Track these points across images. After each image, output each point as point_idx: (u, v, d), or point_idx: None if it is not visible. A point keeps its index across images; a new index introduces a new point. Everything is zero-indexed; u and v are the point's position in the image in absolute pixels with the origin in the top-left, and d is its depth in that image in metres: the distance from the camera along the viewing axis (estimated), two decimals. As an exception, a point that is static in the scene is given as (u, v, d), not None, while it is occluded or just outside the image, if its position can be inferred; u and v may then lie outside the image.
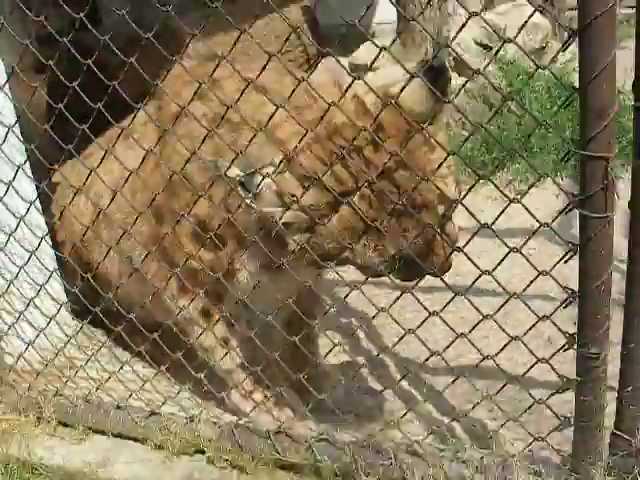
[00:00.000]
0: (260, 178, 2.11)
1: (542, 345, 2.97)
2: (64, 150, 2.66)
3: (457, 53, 5.31)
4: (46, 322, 3.12)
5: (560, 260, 1.99)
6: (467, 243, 2.09)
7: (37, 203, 2.99)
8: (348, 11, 1.99)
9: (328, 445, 2.59)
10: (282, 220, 2.16)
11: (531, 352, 2.17)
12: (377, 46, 2.00)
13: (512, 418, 2.34)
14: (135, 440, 2.93)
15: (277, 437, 2.66)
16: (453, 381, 2.39)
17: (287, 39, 2.20)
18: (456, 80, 4.84)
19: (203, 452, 2.77)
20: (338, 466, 2.54)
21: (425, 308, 2.21)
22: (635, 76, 1.85)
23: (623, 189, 1.99)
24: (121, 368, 2.99)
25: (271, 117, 2.12)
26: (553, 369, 2.16)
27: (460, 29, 1.95)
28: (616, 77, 1.81)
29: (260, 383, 2.89)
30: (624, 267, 2.08)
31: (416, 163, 2.10)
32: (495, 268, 2.06)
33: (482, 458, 2.42)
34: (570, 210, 1.95)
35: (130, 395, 2.97)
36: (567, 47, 1.83)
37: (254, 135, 2.17)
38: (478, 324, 2.19)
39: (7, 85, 2.87)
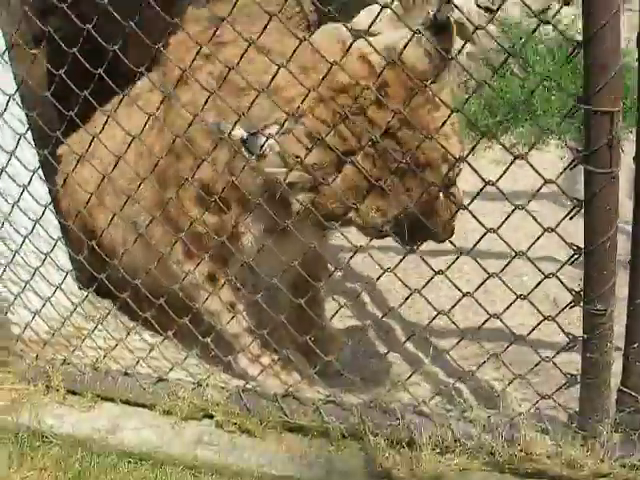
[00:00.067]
0: (264, 139, 2.10)
1: (549, 308, 2.97)
2: (66, 118, 2.65)
3: (459, 14, 5.26)
4: (52, 292, 3.12)
5: (565, 216, 1.98)
6: (472, 201, 2.08)
7: (40, 172, 2.97)
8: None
9: (335, 407, 2.61)
10: (286, 180, 2.15)
11: (537, 310, 2.17)
12: (379, 4, 1.98)
13: (519, 376, 2.34)
14: (143, 406, 2.94)
15: (285, 400, 2.67)
16: (459, 341, 2.40)
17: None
18: (458, 44, 4.81)
19: (211, 417, 2.78)
20: (346, 427, 2.56)
21: (430, 267, 2.21)
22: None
23: (627, 152, 1.98)
24: (128, 335, 3.00)
25: (273, 77, 2.11)
26: (559, 326, 2.16)
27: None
28: (622, 37, 1.80)
29: (267, 347, 2.89)
30: (629, 229, 2.08)
31: (419, 121, 2.09)
32: (500, 226, 2.06)
33: (489, 417, 2.44)
34: (575, 166, 1.94)
35: (137, 362, 2.98)
36: (568, 3, 1.81)
37: (257, 95, 2.15)
38: (484, 282, 2.19)
39: (7, 55, 2.85)
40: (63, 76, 2.52)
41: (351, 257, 2.36)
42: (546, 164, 4.11)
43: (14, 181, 2.96)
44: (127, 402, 2.97)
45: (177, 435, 2.80)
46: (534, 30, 2.01)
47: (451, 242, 2.20)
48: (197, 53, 2.25)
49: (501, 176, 1.99)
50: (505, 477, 2.39)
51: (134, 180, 2.70)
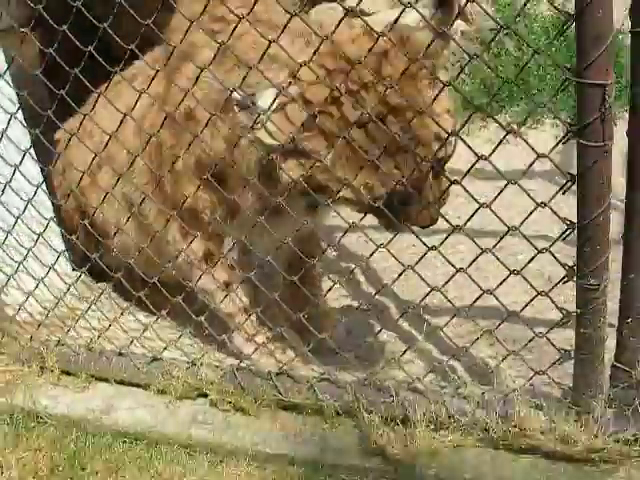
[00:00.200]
0: (265, 100, 2.09)
1: (543, 284, 2.96)
2: (57, 97, 2.64)
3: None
4: (45, 273, 3.11)
5: (559, 191, 1.97)
6: (464, 176, 2.07)
7: (32, 151, 2.95)
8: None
9: (330, 384, 2.61)
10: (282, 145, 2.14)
11: (531, 285, 2.17)
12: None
13: (512, 352, 2.34)
14: (138, 386, 2.94)
15: (279, 378, 2.68)
16: (452, 318, 2.40)
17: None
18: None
19: (206, 395, 2.79)
20: (340, 405, 2.57)
21: (424, 244, 2.21)
22: (632, 1, 1.81)
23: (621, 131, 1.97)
24: (121, 314, 3.00)
25: (267, 49, 2.09)
26: (552, 302, 2.16)
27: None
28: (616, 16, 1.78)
29: (263, 326, 2.89)
30: (622, 206, 2.07)
31: (415, 97, 2.08)
32: (493, 201, 2.05)
33: (483, 394, 2.44)
34: (567, 140, 1.94)
35: (131, 342, 2.98)
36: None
37: (262, 57, 2.13)
38: (477, 258, 2.19)
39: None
40: (54, 54, 2.51)
41: (344, 234, 2.36)
42: (542, 143, 4.07)
43: (6, 161, 2.95)
44: (121, 382, 2.98)
45: (171, 414, 2.80)
46: (525, 4, 1.99)
47: (445, 219, 2.19)
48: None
49: (493, 151, 1.99)
50: (499, 453, 2.40)
51: (135, 158, 2.68)
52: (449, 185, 2.17)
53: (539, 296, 2.19)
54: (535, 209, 2.02)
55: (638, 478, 2.25)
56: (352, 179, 2.14)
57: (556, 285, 2.15)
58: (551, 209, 2.00)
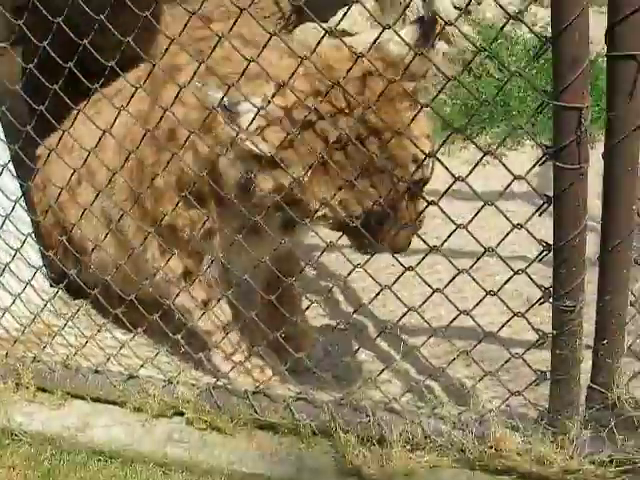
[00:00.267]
0: (245, 107, 2.10)
1: (521, 305, 2.96)
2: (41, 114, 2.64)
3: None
4: (22, 288, 3.09)
5: (535, 213, 1.99)
6: (442, 197, 2.08)
7: (10, 166, 2.94)
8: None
9: (306, 404, 2.60)
10: (261, 148, 2.14)
11: (507, 306, 2.18)
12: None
13: (489, 373, 2.34)
14: (114, 404, 2.92)
15: (255, 397, 2.66)
16: (428, 338, 2.40)
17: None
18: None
19: (182, 414, 2.77)
20: (316, 424, 2.56)
21: (401, 264, 2.21)
22: (607, 25, 1.83)
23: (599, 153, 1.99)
24: (98, 332, 2.98)
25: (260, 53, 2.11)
26: (529, 323, 2.17)
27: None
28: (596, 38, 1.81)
29: (241, 344, 2.89)
30: (598, 227, 2.08)
31: (393, 119, 2.10)
32: (469, 222, 2.06)
33: (460, 414, 2.44)
34: (544, 162, 1.95)
35: (108, 359, 2.96)
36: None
37: (242, 74, 2.14)
38: (454, 279, 2.19)
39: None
40: (34, 70, 2.51)
41: (321, 253, 2.36)
42: (521, 164, 4.12)
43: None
44: (97, 400, 2.96)
45: (147, 433, 2.79)
46: (502, 26, 2.02)
47: (423, 239, 2.20)
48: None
49: (470, 172, 1.99)
50: (475, 474, 2.39)
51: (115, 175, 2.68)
52: (426, 206, 2.18)
53: (516, 317, 2.20)
54: (511, 230, 2.03)
55: (613, 500, 2.26)
56: (328, 195, 2.15)
57: (532, 306, 2.16)
58: (527, 230, 2.01)
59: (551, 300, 2.12)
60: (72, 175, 2.77)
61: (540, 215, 1.98)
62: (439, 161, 2.07)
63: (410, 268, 2.20)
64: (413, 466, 2.42)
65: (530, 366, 2.26)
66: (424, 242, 2.17)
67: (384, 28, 1.93)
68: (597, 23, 1.86)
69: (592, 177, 1.96)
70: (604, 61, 1.88)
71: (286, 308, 2.68)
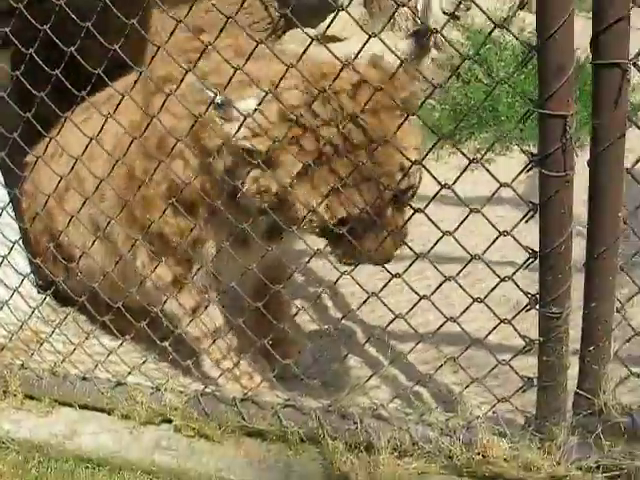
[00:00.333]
0: (238, 106, 2.11)
1: (509, 310, 2.98)
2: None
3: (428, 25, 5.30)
4: (10, 296, 3.08)
5: (521, 220, 1.99)
6: (428, 204, 2.08)
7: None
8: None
9: (294, 411, 2.60)
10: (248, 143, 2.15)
11: (493, 313, 2.18)
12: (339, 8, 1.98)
13: (476, 379, 2.34)
14: (102, 411, 2.92)
15: (243, 404, 2.66)
16: (416, 344, 2.40)
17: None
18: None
19: (170, 421, 2.77)
20: (304, 431, 2.56)
21: (388, 271, 2.22)
22: (592, 34, 1.84)
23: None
24: (86, 339, 2.97)
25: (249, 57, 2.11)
26: (515, 329, 2.17)
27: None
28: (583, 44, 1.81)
29: (231, 352, 2.88)
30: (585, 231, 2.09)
31: (381, 128, 2.11)
32: (456, 229, 2.06)
33: (447, 420, 2.44)
34: (530, 169, 1.96)
35: (96, 366, 2.95)
36: (523, 6, 1.83)
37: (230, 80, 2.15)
38: (440, 285, 2.20)
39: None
40: (21, 78, 2.50)
41: (308, 260, 2.36)
42: (510, 169, 4.10)
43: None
44: (85, 407, 2.95)
45: (135, 440, 2.78)
46: (489, 32, 2.02)
47: (409, 247, 2.21)
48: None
49: (456, 180, 2.00)
50: (463, 480, 2.40)
51: (106, 183, 2.68)
52: (412, 214, 2.18)
53: (503, 323, 2.20)
54: (497, 238, 2.03)
55: (600, 506, 2.26)
56: (314, 200, 2.15)
57: (518, 313, 2.16)
58: (513, 237, 2.01)
59: (537, 307, 2.12)
60: (59, 182, 2.76)
61: (526, 222, 1.98)
62: (425, 169, 2.07)
63: (397, 275, 2.21)
64: (401, 473, 2.41)
65: (517, 373, 2.26)
66: (410, 249, 2.17)
67: (369, 36, 1.93)
68: (585, 29, 1.86)
69: (582, 182, 1.98)
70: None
71: (274, 315, 2.68)
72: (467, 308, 2.21)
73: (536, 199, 1.99)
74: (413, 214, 2.18)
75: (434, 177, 2.00)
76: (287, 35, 6.47)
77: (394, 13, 2.05)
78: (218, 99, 2.11)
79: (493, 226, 2.01)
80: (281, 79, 2.08)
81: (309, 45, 2.03)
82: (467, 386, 2.42)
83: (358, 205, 2.13)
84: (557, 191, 1.93)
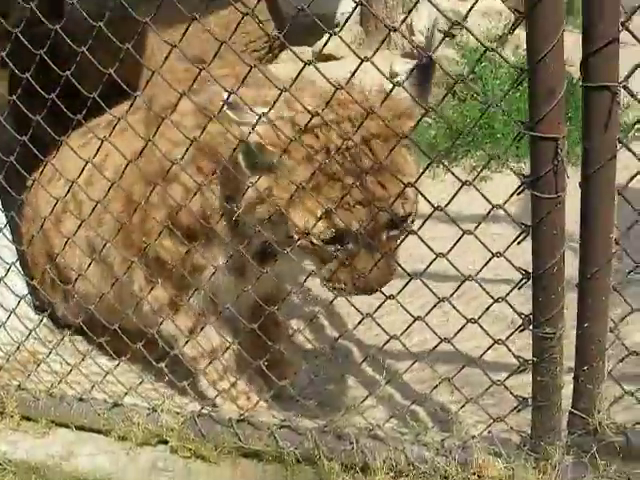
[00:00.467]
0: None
1: (505, 328, 2.98)
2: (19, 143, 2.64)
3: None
4: (7, 317, 3.09)
5: (513, 241, 2.00)
6: (421, 226, 2.09)
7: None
8: (314, 2, 1.99)
9: (290, 431, 2.60)
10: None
11: (487, 333, 2.19)
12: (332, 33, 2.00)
13: (471, 399, 2.35)
14: (98, 432, 2.91)
15: (239, 425, 2.66)
16: (412, 364, 2.41)
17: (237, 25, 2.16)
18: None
19: (166, 442, 2.77)
20: (300, 452, 2.55)
21: (382, 292, 2.22)
22: (582, 56, 1.85)
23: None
24: (83, 360, 2.97)
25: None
26: (509, 349, 2.18)
27: (409, 12, 1.95)
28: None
29: (227, 373, 2.89)
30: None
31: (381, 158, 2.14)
32: (449, 251, 2.07)
33: (443, 440, 2.44)
34: (522, 191, 1.97)
35: (93, 387, 2.95)
36: (515, 28, 1.84)
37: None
38: (435, 307, 2.21)
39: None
40: (17, 101, 2.52)
41: (305, 280, 2.37)
42: (505, 187, 4.14)
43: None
44: (82, 428, 2.95)
45: (132, 461, 2.78)
46: (482, 54, 2.03)
47: (402, 268, 2.22)
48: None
49: (449, 202, 2.01)
50: (458, 500, 2.40)
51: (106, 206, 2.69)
52: (405, 237, 2.20)
53: (497, 344, 2.21)
54: (491, 259, 2.04)
55: (595, 526, 2.26)
56: (310, 220, 2.17)
57: (512, 334, 2.17)
58: (506, 258, 2.02)
59: (531, 327, 2.13)
60: (55, 205, 2.78)
61: (519, 244, 1.99)
62: (418, 190, 2.09)
63: (391, 297, 2.21)
64: (397, 493, 2.42)
65: (512, 393, 2.27)
66: (404, 270, 2.18)
67: (362, 60, 1.95)
68: (580, 45, 1.87)
69: (575, 202, 1.99)
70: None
71: (270, 336, 2.68)
72: (461, 328, 2.22)
73: (529, 219, 2.00)
74: (407, 235, 2.19)
75: (426, 199, 2.01)
76: (283, 54, 6.52)
77: (386, 38, 2.07)
78: (231, 100, 2.13)
79: (486, 247, 2.02)
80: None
81: (302, 68, 2.03)
82: (463, 405, 2.43)
83: (354, 224, 2.14)
84: (549, 212, 1.94)
